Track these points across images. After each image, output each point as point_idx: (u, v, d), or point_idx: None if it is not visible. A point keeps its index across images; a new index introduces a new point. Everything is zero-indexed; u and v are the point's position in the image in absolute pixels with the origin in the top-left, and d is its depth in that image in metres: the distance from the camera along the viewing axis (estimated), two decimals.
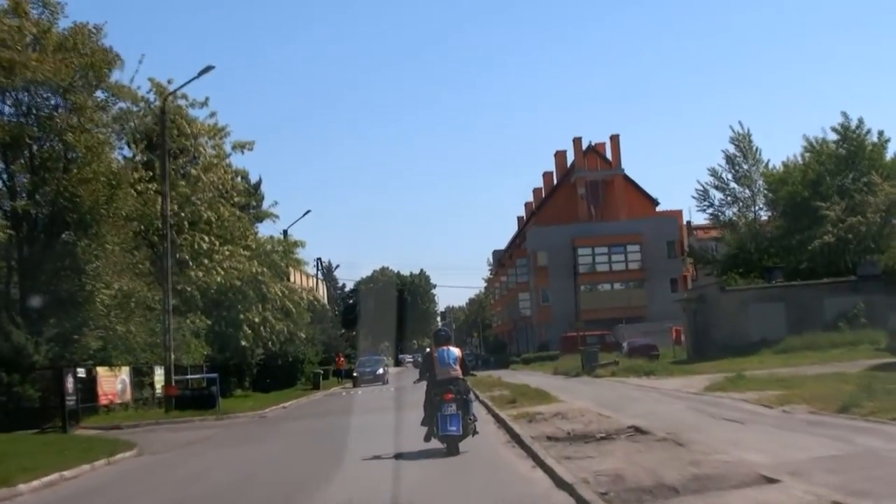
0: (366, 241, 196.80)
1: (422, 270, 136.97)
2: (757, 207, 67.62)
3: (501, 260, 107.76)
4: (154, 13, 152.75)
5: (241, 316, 38.67)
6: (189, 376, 30.59)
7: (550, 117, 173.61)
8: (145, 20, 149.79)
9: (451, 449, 13.53)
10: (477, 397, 21.61)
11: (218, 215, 39.43)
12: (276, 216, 46.39)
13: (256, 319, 38.72)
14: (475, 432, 14.35)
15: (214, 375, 29.13)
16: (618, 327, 72.52)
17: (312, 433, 20.78)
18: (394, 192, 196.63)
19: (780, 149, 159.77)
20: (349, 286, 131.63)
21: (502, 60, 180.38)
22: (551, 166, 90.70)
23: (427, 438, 14.02)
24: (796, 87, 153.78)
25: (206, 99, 40.12)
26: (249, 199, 45.97)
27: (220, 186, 39.80)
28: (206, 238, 38.19)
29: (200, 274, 38.11)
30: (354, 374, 48.71)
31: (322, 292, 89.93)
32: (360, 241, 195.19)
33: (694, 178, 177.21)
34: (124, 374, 29.68)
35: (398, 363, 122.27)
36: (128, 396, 29.55)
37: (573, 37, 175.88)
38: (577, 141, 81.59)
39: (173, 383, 29.18)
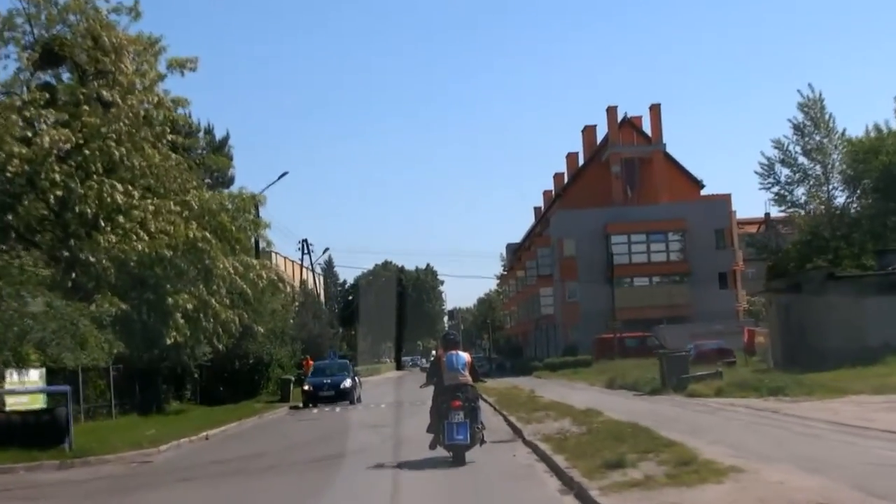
0: (368, 234, 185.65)
1: (428, 265, 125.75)
2: (831, 186, 56.53)
3: (518, 253, 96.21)
4: None
5: (171, 299, 27.27)
6: (25, 390, 18.74)
7: (572, 94, 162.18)
8: None
9: (458, 458, 13.08)
10: (521, 436, 15.71)
11: (142, 158, 28.13)
12: (228, 161, 35.09)
13: (190, 306, 27.28)
14: (483, 441, 13.84)
15: (64, 389, 17.55)
16: (659, 328, 61.27)
17: None
18: (393, 183, 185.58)
19: (856, 119, 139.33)
20: (350, 283, 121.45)
21: (514, 21, 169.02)
22: (576, 146, 79.42)
23: (432, 446, 13.64)
24: (874, 47, 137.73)
25: (136, 2, 28.96)
26: (195, 143, 34.63)
27: (147, 116, 28.53)
28: (121, 187, 26.84)
29: (113, 239, 26.81)
30: (305, 388, 33.59)
31: (317, 285, 78.70)
32: (362, 235, 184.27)
33: (745, 157, 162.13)
34: None
35: (399, 366, 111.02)
36: None
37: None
38: (611, 111, 69.92)
39: None
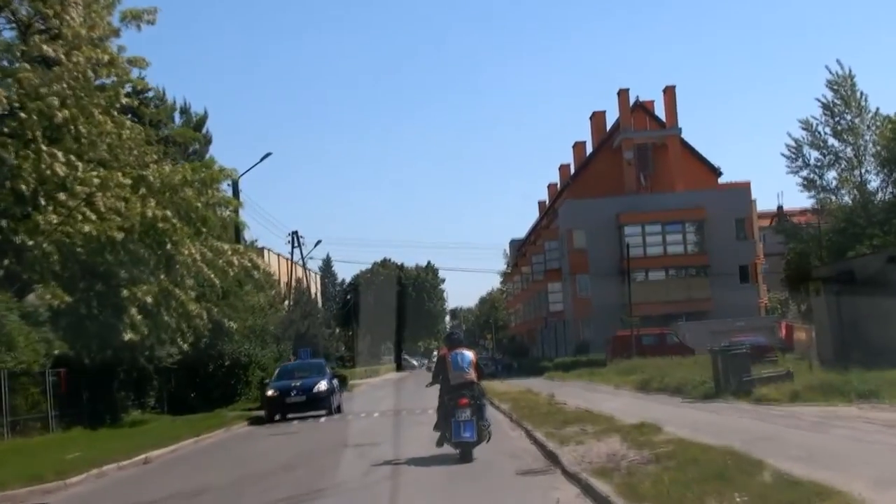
0: (365, 230, 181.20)
1: (429, 263, 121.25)
2: (864, 169, 52.21)
3: (523, 248, 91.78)
4: None
5: (125, 291, 22.92)
6: None
7: (578, 81, 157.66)
8: None
9: (465, 455, 13.17)
10: (558, 465, 11.68)
11: (91, 125, 23.75)
12: (195, 133, 30.83)
13: (149, 298, 22.91)
14: (489, 438, 13.87)
15: None
16: (678, 325, 56.90)
17: None
18: (393, 179, 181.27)
19: (890, 97, 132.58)
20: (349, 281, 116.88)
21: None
22: (584, 135, 75.16)
23: (440, 444, 13.70)
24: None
25: None
26: (158, 116, 30.26)
27: (97, 76, 24.17)
28: (63, 157, 22.47)
29: (55, 219, 22.50)
30: (269, 393, 26.47)
31: (307, 279, 74.33)
32: (359, 230, 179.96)
33: (756, 146, 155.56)
34: None
35: (400, 367, 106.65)
36: None
37: None
38: (622, 94, 65.44)
39: None
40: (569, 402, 22.60)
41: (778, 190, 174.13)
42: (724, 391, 18.94)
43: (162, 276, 24.48)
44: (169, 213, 23.96)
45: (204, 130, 42.58)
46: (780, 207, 67.73)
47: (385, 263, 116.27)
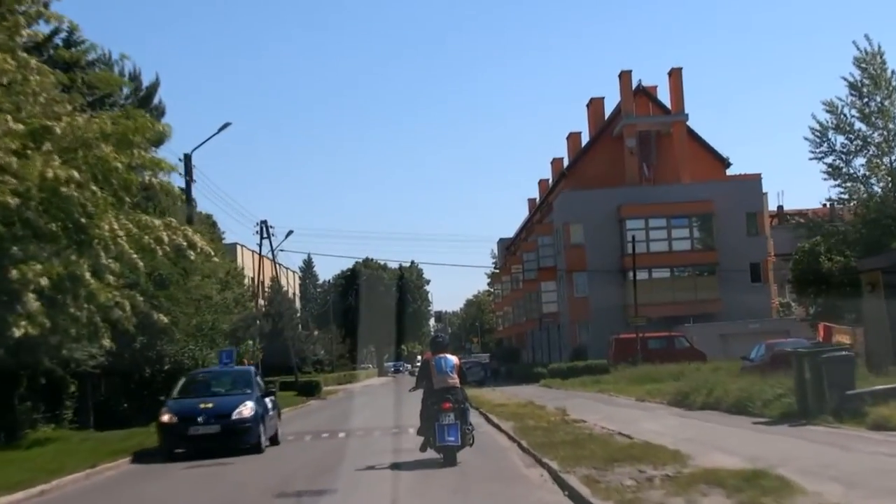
0: (348, 228, 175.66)
1: (413, 262, 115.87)
2: (895, 157, 47.36)
3: (513, 247, 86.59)
4: None
5: (16, 272, 17.53)
6: None
7: (574, 65, 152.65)
8: None
9: (449, 459, 13.21)
10: None
11: None
12: (120, 80, 25.52)
13: (44, 281, 17.52)
14: (472, 442, 13.95)
15: None
16: (684, 327, 51.97)
17: None
18: (375, 174, 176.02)
19: None
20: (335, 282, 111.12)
21: None
22: (579, 125, 69.97)
23: (423, 449, 13.79)
24: None
25: None
26: (79, 56, 24.77)
27: None
28: None
29: None
30: (164, 419, 18.05)
31: (284, 277, 69.05)
32: (343, 228, 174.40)
33: (776, 133, 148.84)
34: None
35: (382, 373, 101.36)
36: None
37: None
38: (624, 76, 60.19)
39: None
40: (589, 421, 17.44)
41: (778, 189, 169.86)
42: (816, 410, 13.72)
43: (73, 257, 19.11)
44: (77, 174, 18.58)
45: (156, 101, 37.19)
46: (780, 207, 63.05)
47: (367, 263, 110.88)
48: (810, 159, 51.02)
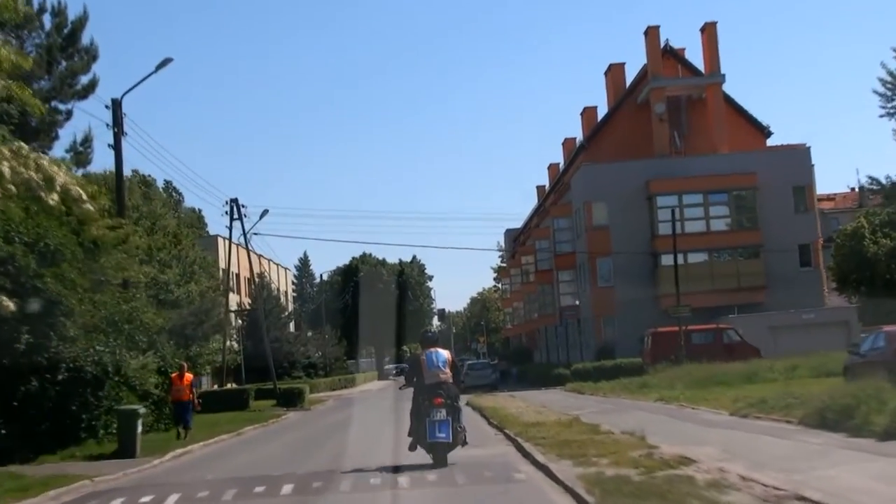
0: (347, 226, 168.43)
1: (414, 257, 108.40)
2: None
3: (522, 237, 79.02)
4: None
5: None
6: None
7: (591, 30, 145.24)
8: None
9: (439, 459, 12.74)
10: None
11: None
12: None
13: None
14: (465, 443, 13.54)
15: None
16: (728, 318, 44.55)
17: None
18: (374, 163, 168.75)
19: None
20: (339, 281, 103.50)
21: None
22: (597, 98, 62.33)
23: (412, 448, 13.36)
24: None
25: None
26: None
27: None
28: None
29: None
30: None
31: (261, 263, 61.58)
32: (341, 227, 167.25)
33: (817, 97, 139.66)
34: None
35: (382, 375, 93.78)
36: None
37: None
38: (651, 33, 52.51)
39: None
40: (699, 459, 9.91)
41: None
42: None
43: None
44: None
45: (88, 41, 29.64)
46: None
47: (364, 259, 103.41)
48: (880, 116, 44.05)
